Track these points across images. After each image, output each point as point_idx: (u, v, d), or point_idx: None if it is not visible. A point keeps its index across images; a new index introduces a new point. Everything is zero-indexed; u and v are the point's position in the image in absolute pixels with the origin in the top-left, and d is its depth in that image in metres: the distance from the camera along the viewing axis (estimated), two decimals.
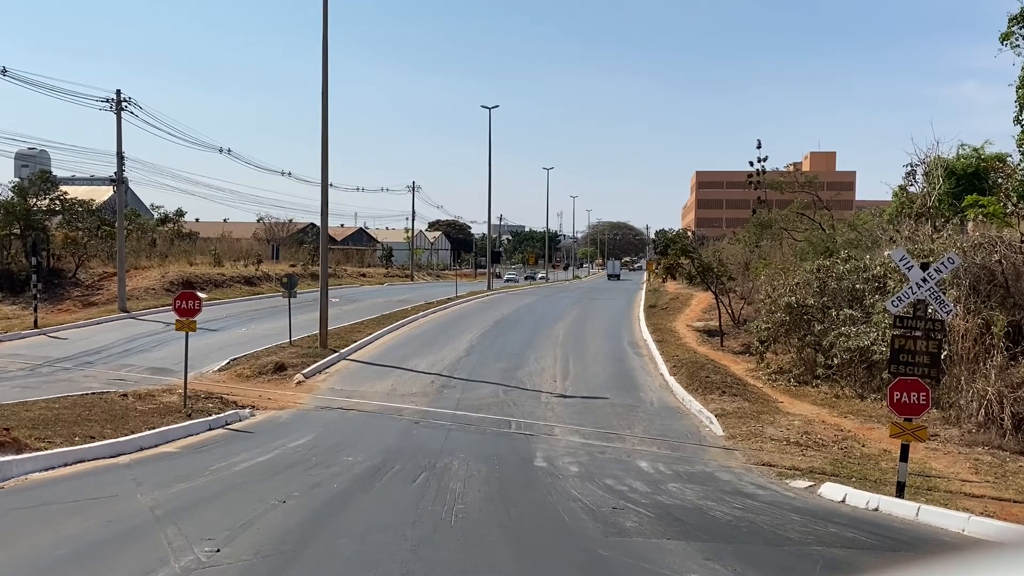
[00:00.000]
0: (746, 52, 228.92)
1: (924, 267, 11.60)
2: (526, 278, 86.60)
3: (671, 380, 21.53)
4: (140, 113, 36.93)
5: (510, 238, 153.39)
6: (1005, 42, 24.45)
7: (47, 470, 11.18)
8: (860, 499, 10.84)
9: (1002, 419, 14.49)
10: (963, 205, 24.06)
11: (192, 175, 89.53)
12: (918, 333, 11.33)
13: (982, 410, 14.77)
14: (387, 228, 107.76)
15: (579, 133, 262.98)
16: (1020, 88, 24.18)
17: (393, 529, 8.73)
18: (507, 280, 78.79)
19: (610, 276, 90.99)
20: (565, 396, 19.71)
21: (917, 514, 10.03)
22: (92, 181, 54.92)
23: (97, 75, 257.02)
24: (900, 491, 10.75)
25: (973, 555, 1.66)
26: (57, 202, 40.37)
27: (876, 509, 10.48)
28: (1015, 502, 11.01)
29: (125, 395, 17.24)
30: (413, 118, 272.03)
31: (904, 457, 10.90)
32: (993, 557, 1.68)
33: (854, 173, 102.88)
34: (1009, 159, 27.85)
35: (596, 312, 42.04)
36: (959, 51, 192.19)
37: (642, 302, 46.51)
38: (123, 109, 35.24)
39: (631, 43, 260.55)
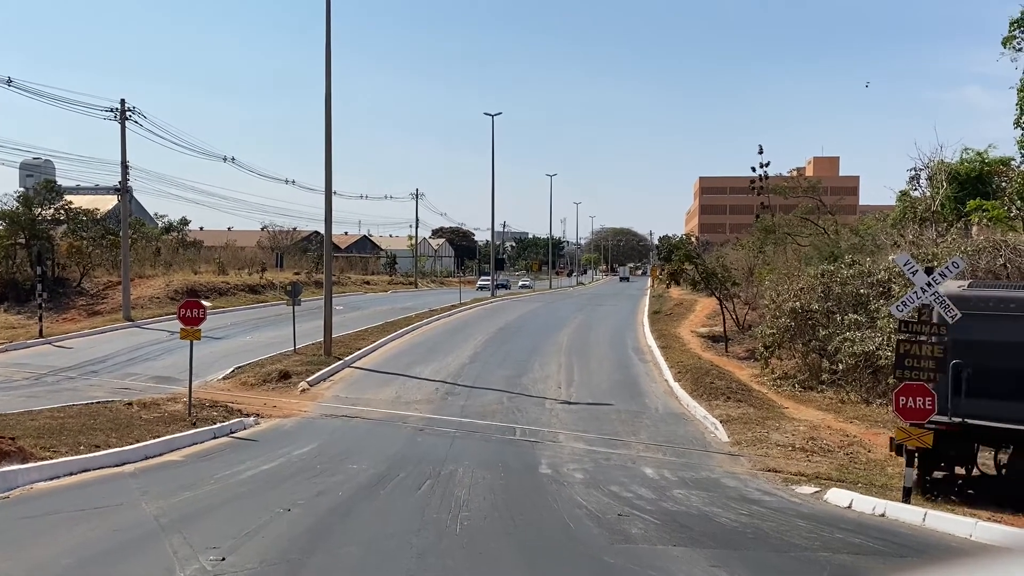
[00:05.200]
0: (748, 58, 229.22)
1: (928, 271, 11.57)
2: (499, 286, 71.71)
3: (676, 386, 21.50)
4: (144, 122, 37.13)
5: (514, 245, 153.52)
6: (1007, 46, 24.47)
7: (52, 479, 11.19)
8: (866, 504, 10.80)
9: None
10: (967, 209, 24.06)
11: (196, 184, 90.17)
12: (923, 338, 11.30)
13: None
14: (391, 235, 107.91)
15: (582, 139, 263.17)
16: (1022, 91, 24.18)
17: (398, 537, 8.72)
18: (479, 287, 68.77)
19: (621, 279, 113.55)
20: (570, 403, 19.68)
21: (924, 519, 10.00)
22: (96, 190, 55.12)
23: (101, 85, 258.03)
24: (907, 496, 10.72)
25: (981, 560, 1.66)
26: (62, 211, 40.55)
27: (883, 514, 10.45)
28: None
29: (130, 404, 17.27)
30: (416, 125, 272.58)
31: (910, 462, 10.87)
32: (1001, 562, 1.67)
33: (857, 178, 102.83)
34: (1013, 163, 27.82)
35: (600, 318, 42.02)
36: (961, 55, 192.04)
37: (646, 308, 46.49)
38: (127, 119, 35.37)
39: (633, 49, 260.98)
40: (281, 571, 7.36)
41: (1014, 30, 24.31)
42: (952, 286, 12.47)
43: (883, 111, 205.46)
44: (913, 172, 30.30)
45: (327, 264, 27.60)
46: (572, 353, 27.87)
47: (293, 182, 63.45)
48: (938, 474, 12.18)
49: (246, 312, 40.02)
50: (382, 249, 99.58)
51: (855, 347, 19.08)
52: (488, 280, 73.44)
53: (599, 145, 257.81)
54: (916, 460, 11.27)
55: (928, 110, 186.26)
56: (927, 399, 10.71)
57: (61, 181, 45.96)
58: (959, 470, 12.33)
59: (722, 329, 30.27)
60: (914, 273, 11.48)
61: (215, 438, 15.14)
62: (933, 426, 11.25)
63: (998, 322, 11.45)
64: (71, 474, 11.57)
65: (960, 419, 11.32)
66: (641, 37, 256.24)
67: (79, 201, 44.90)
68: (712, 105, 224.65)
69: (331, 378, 22.66)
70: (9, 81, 30.87)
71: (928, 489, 11.48)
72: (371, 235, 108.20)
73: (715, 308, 34.31)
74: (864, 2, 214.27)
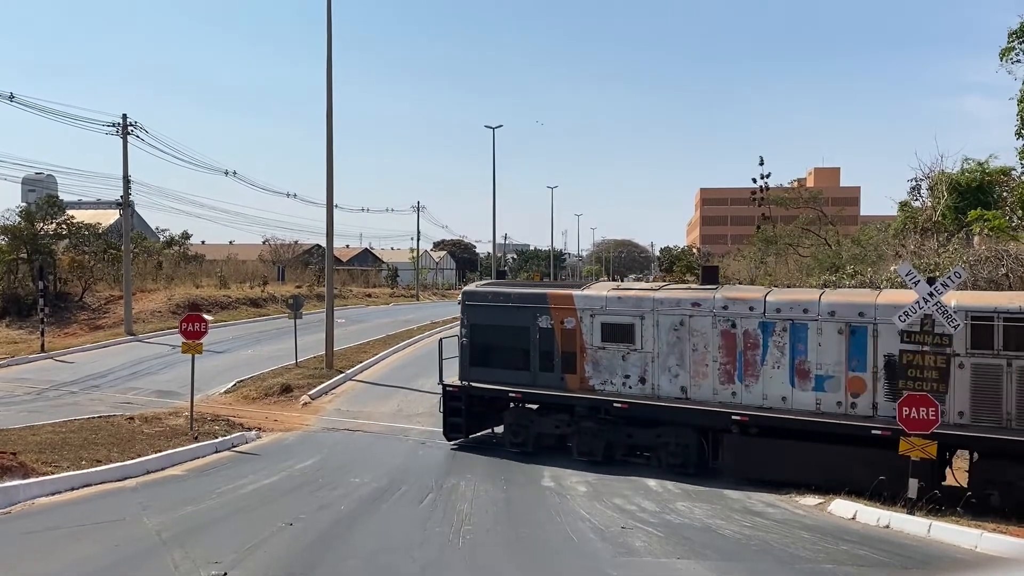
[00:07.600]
0: (749, 69, 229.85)
1: (931, 281, 11.56)
2: None
3: None
4: (146, 137, 37.28)
5: (515, 257, 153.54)
6: (1004, 59, 24.51)
7: (54, 494, 11.18)
8: (871, 516, 10.75)
9: None
10: (968, 219, 24.03)
11: (198, 198, 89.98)
12: (926, 348, 11.29)
13: None
14: (392, 248, 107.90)
15: (583, 152, 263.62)
16: (1021, 102, 24.20)
17: (401, 551, 8.69)
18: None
19: None
20: None
21: (929, 531, 9.95)
22: (98, 205, 55.28)
23: (103, 98, 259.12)
24: (911, 507, 10.66)
25: (986, 572, 1.65)
26: (64, 226, 40.58)
27: (887, 526, 10.40)
28: None
29: (131, 418, 17.25)
30: (418, 138, 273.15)
31: (915, 473, 10.82)
32: (1006, 574, 1.66)
33: (858, 188, 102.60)
34: (1013, 173, 27.84)
35: None
36: (961, 65, 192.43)
37: None
38: (129, 133, 35.47)
39: (633, 61, 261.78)
40: None
41: (1012, 41, 24.35)
42: (472, 285, 17.50)
43: (883, 121, 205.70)
44: (914, 182, 30.36)
45: (328, 277, 27.61)
46: None
47: (294, 195, 63.93)
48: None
49: (248, 325, 40.00)
50: (383, 262, 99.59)
51: None
52: None
53: (600, 157, 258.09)
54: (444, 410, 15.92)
55: (928, 119, 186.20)
56: (931, 409, 10.69)
57: (63, 196, 45.91)
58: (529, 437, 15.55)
59: None
60: (916, 283, 11.47)
61: (217, 452, 15.12)
62: (451, 388, 15.86)
63: (489, 310, 15.74)
64: (73, 489, 11.55)
65: (467, 383, 15.61)
66: (641, 49, 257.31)
67: (81, 216, 45.00)
68: (713, 117, 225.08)
69: (333, 391, 22.63)
70: (11, 97, 31.02)
71: (449, 436, 16.01)
72: (372, 248, 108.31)
73: None
74: (864, 12, 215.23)
